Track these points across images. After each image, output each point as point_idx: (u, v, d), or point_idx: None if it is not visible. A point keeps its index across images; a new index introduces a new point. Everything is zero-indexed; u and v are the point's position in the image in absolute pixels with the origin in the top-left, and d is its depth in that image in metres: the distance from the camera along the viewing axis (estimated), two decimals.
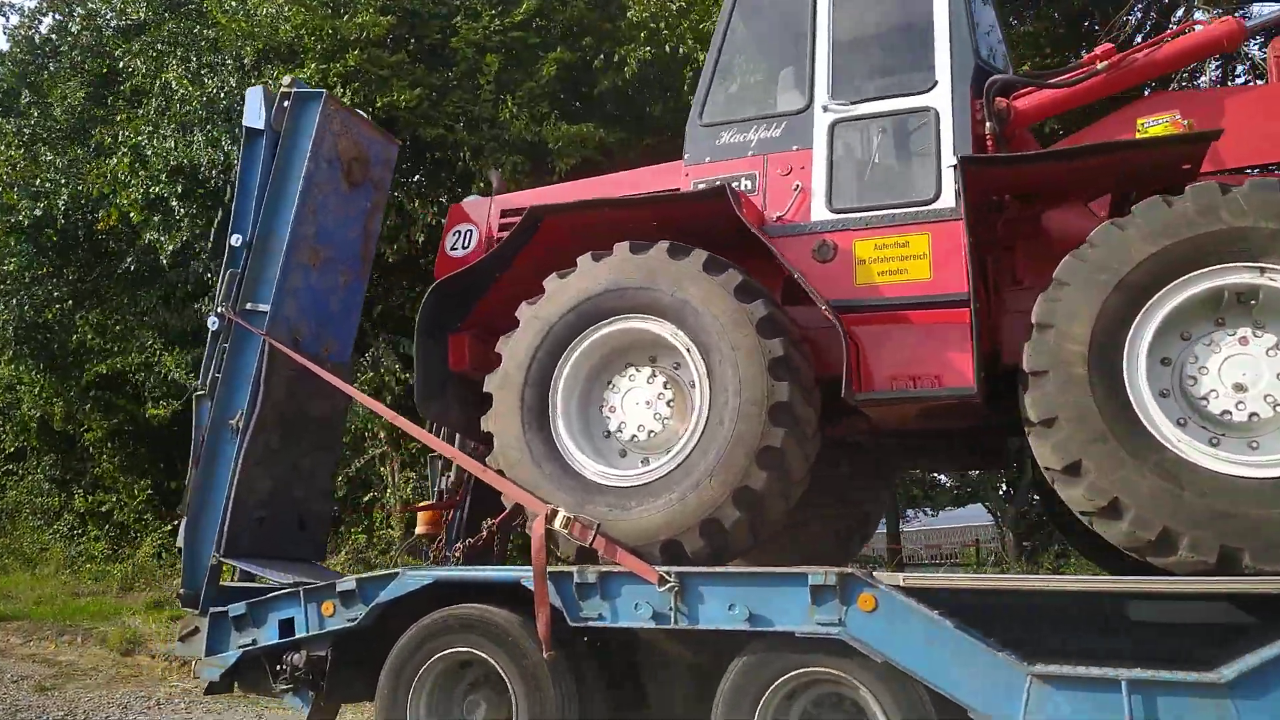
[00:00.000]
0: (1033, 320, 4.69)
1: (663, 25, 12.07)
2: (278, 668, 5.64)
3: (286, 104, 6.33)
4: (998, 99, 5.49)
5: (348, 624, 5.49)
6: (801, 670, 4.62)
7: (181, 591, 5.91)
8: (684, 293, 5.21)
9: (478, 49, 12.37)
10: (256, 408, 5.98)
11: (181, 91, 12.03)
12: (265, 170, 6.28)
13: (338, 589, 5.52)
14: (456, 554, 6.12)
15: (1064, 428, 4.51)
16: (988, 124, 5.41)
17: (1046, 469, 4.67)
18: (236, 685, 5.97)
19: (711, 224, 5.50)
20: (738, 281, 5.17)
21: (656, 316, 5.29)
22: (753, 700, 4.64)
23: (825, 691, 4.72)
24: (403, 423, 6.05)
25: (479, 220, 6.78)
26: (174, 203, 11.15)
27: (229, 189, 6.63)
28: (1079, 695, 4.06)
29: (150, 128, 12.20)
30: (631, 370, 5.50)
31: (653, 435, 5.35)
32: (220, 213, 6.50)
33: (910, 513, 20.62)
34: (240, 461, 5.90)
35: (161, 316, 13.74)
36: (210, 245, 6.43)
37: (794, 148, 5.75)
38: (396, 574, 5.43)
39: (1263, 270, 4.40)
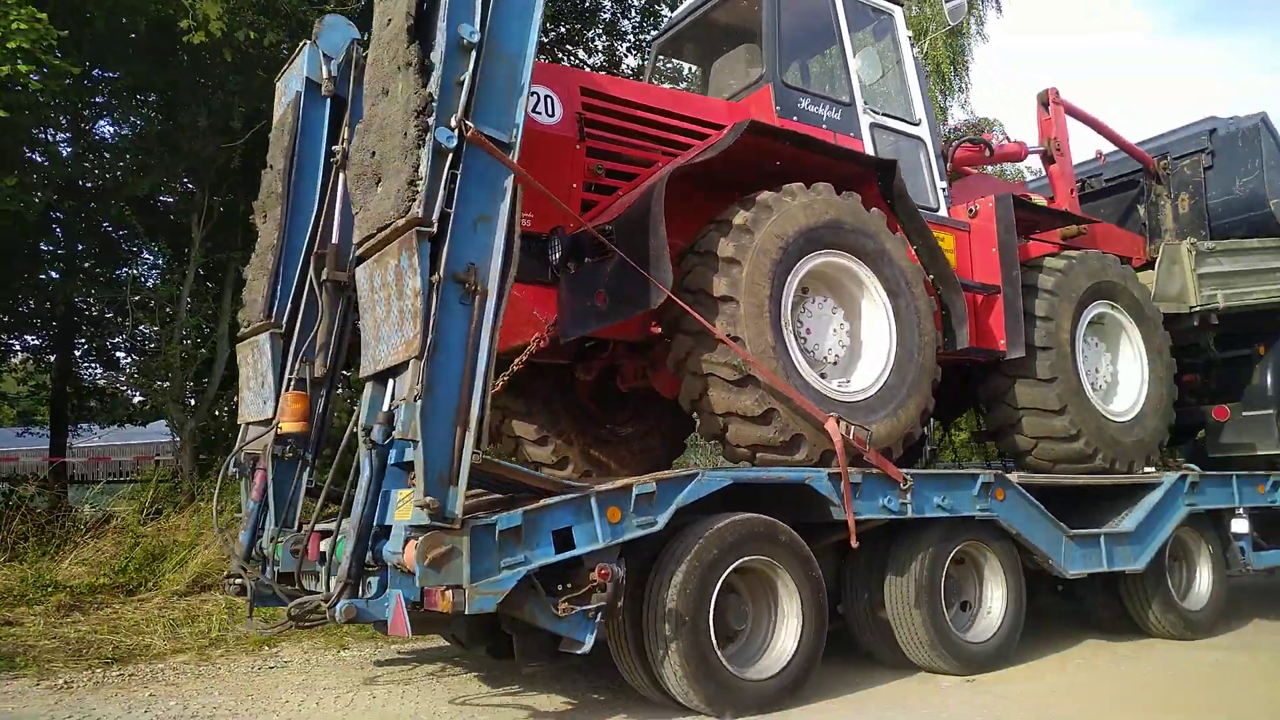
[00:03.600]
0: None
1: None
2: (559, 588, 4.57)
3: None
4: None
5: (640, 531, 4.85)
6: (966, 543, 6.28)
7: (426, 500, 4.10)
8: (881, 243, 6.18)
9: None
10: (512, 262, 4.56)
11: None
12: None
13: (635, 492, 4.81)
14: None
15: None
16: (948, 164, 7.63)
17: None
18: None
19: (850, 184, 6.43)
20: (906, 243, 6.38)
21: (855, 257, 6.11)
22: (941, 566, 6.11)
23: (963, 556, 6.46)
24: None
25: (559, 90, 6.04)
26: None
27: None
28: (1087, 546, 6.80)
29: None
30: (817, 299, 6.13)
31: (838, 360, 6.12)
32: None
33: (83, 426, 19.01)
34: (495, 328, 4.46)
35: None
36: (409, 20, 3.98)
37: (851, 134, 7.01)
38: (696, 474, 5.04)
39: None
